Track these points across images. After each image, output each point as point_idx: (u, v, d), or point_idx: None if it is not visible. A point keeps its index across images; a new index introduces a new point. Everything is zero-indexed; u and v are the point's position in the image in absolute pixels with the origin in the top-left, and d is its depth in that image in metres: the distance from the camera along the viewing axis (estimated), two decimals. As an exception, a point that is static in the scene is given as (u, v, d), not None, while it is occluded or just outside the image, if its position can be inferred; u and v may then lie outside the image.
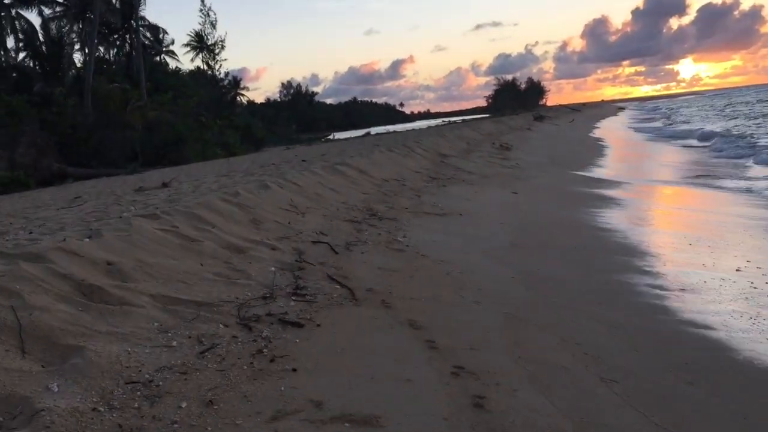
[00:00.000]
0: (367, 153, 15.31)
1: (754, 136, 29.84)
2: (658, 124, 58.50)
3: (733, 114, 56.44)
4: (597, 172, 19.85)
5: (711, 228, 10.51)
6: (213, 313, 4.78)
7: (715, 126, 41.49)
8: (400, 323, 4.95)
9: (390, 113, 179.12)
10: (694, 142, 33.00)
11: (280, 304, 5.14)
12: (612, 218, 10.92)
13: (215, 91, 57.92)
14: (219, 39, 57.12)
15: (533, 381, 4.08)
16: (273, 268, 6.11)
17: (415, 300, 5.59)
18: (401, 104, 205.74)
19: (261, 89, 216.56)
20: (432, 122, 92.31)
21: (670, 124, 54.18)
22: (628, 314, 5.74)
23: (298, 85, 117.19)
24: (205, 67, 58.68)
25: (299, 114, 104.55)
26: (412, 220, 9.48)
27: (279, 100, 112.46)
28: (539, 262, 7.63)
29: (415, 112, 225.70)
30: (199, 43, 57.80)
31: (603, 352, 4.70)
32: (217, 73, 59.94)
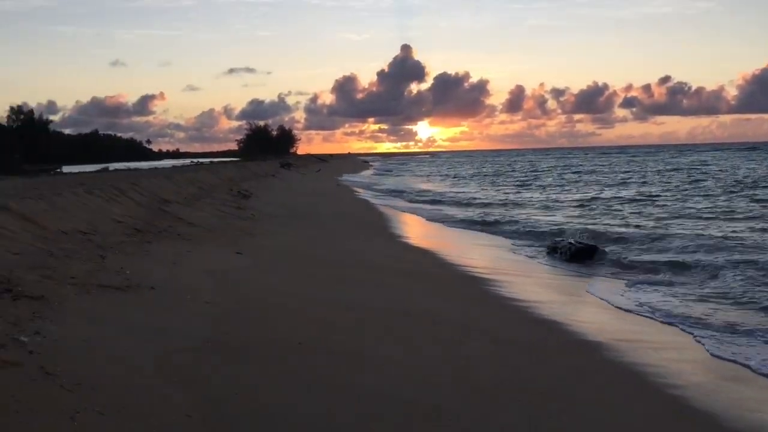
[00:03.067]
0: (53, 194, 11.82)
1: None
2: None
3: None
4: (340, 227, 18.26)
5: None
6: None
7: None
8: None
9: (135, 149, 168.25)
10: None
11: None
12: (356, 294, 8.98)
13: None
14: None
15: None
16: None
17: None
18: (149, 141, 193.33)
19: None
20: (179, 162, 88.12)
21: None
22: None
23: (31, 111, 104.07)
24: None
25: (30, 143, 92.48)
26: (73, 299, 6.52)
27: (6, 125, 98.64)
28: (241, 377, 5.20)
29: (164, 150, 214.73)
30: None
31: None
32: None
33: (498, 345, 7.21)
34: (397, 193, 36.73)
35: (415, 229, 20.18)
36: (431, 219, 23.48)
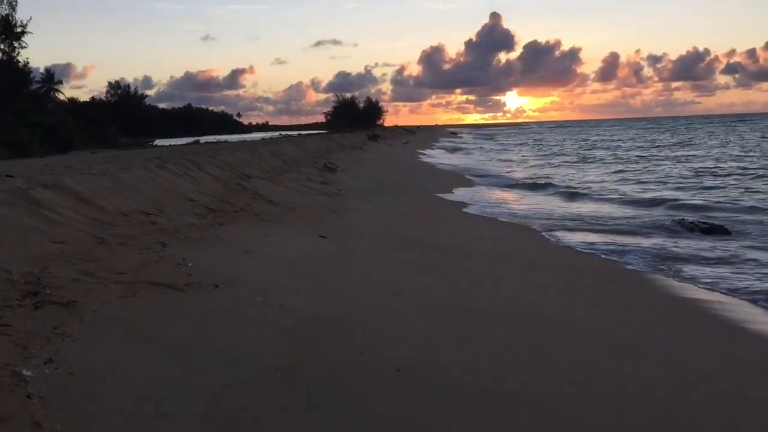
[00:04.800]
0: (119, 169, 10.70)
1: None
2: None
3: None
4: (434, 205, 16.59)
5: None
6: None
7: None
8: None
9: (226, 122, 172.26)
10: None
11: None
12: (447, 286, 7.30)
13: (5, 81, 49.04)
14: (19, 22, 48.16)
15: None
16: None
17: None
18: (239, 114, 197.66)
19: (87, 87, 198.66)
20: (268, 134, 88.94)
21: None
22: None
23: (127, 86, 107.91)
24: (-2, 54, 49.52)
25: (127, 116, 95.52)
26: (113, 305, 5.16)
27: (105, 99, 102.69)
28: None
29: (254, 123, 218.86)
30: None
31: None
32: (18, 60, 50.79)
33: (656, 365, 5.37)
34: (487, 171, 33.73)
35: (516, 208, 18.22)
36: (529, 198, 21.46)
